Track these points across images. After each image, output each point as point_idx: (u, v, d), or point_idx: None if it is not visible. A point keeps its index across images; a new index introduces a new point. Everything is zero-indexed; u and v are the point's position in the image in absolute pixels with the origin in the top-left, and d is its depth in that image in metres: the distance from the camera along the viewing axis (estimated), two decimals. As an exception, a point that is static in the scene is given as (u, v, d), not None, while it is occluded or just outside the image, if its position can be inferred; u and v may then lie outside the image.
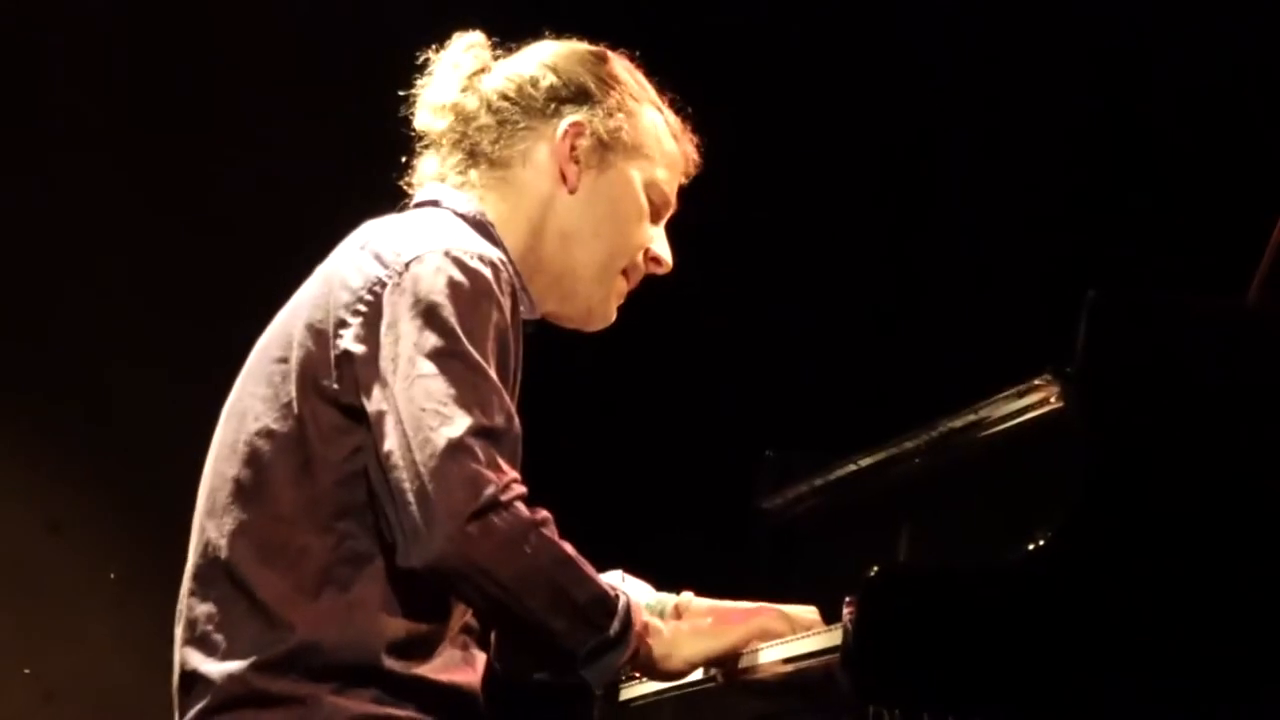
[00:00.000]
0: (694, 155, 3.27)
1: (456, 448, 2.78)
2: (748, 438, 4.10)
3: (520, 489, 2.83)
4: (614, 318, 3.23)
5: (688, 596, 3.27)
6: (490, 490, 2.78)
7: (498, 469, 2.80)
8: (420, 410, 2.81)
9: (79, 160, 5.12)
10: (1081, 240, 5.11)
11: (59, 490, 5.07)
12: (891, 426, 3.43)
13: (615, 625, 2.87)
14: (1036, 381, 3.04)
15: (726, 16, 5.35)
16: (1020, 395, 3.09)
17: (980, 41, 5.32)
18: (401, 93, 3.23)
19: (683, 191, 3.27)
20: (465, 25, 3.25)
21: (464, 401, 2.82)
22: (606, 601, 2.88)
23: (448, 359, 2.84)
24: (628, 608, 2.90)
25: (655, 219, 3.22)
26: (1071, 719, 2.78)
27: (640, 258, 3.21)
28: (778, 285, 5.35)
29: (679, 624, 3.07)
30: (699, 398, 5.28)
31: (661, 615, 3.27)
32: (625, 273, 3.21)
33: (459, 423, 2.80)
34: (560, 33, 3.28)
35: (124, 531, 5.04)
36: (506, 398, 2.88)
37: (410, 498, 2.79)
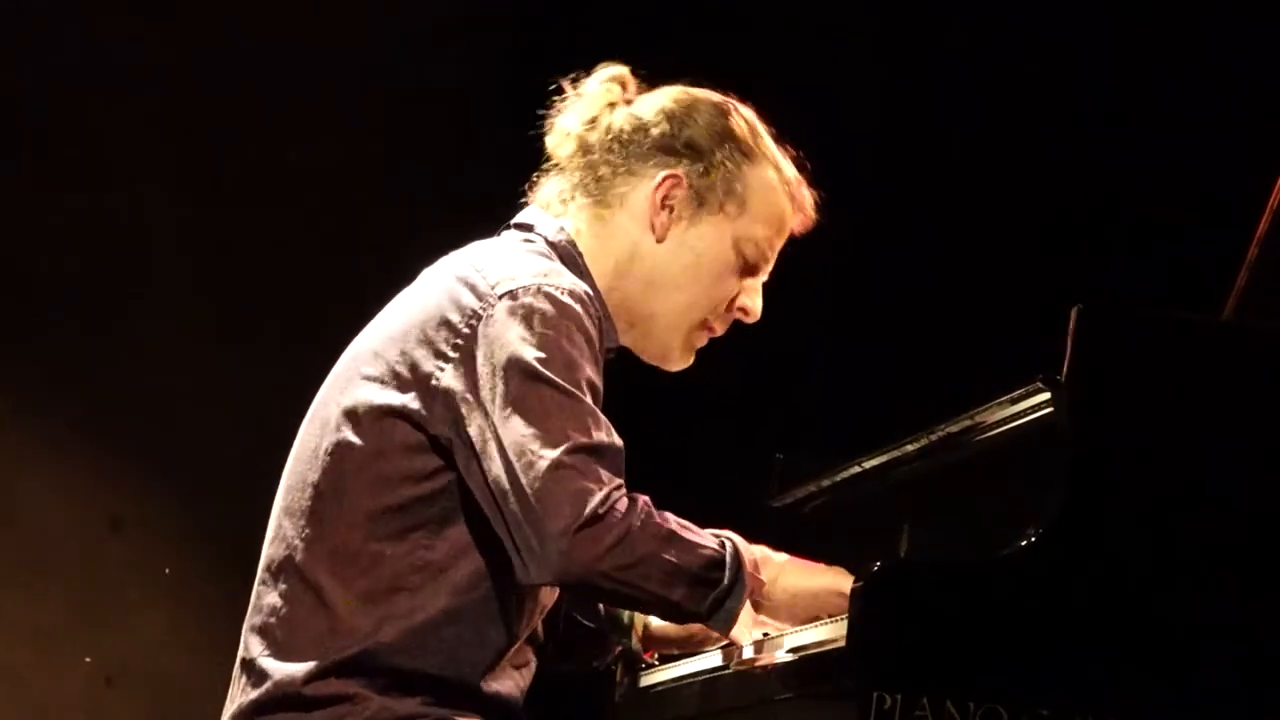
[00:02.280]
0: (810, 211, 3.25)
1: (558, 466, 2.84)
2: (759, 440, 4.19)
3: (620, 493, 2.88)
4: (691, 362, 3.24)
5: None
6: (593, 501, 2.83)
7: (598, 480, 2.85)
8: (521, 436, 2.86)
9: (150, 171, 5.17)
10: (1072, 256, 5.11)
11: (120, 490, 5.11)
12: (893, 430, 3.51)
13: (727, 575, 2.95)
14: (1028, 389, 3.13)
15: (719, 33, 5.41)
16: (1013, 402, 3.19)
17: (978, 51, 5.34)
18: (539, 112, 3.24)
19: (792, 244, 3.24)
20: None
21: (560, 424, 2.87)
22: (715, 557, 2.95)
23: (542, 386, 2.89)
24: (736, 554, 2.98)
25: (749, 273, 3.20)
26: (1057, 701, 2.88)
27: (723, 309, 3.21)
28: (793, 301, 5.38)
29: (787, 558, 3.15)
30: (714, 405, 5.28)
31: (630, 618, 3.39)
32: (708, 322, 3.22)
33: (558, 444, 2.86)
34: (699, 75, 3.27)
35: (180, 530, 5.05)
36: (601, 415, 2.92)
37: (522, 520, 2.85)
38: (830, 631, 2.96)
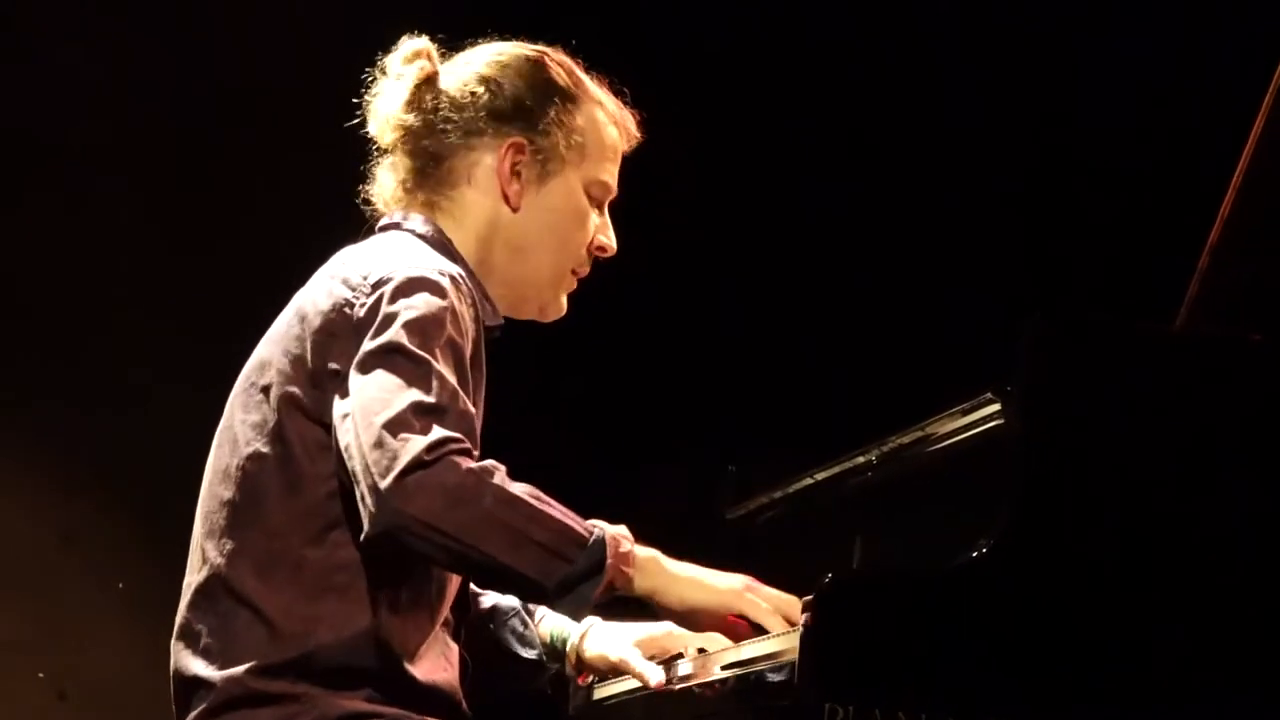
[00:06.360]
0: (633, 130, 3.33)
1: (392, 423, 2.85)
2: (711, 452, 4.20)
3: (457, 446, 2.85)
4: (565, 309, 3.30)
5: (592, 620, 3.34)
6: (418, 450, 2.82)
7: (428, 432, 2.85)
8: (368, 402, 2.89)
9: (100, 186, 5.19)
10: (1025, 266, 5.15)
11: (72, 504, 5.12)
12: (846, 442, 3.52)
13: (583, 557, 2.90)
14: (979, 400, 3.15)
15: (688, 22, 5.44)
16: (964, 413, 3.21)
17: (931, 63, 5.38)
18: (355, 99, 3.29)
19: (627, 163, 3.31)
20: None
21: (403, 385, 2.89)
22: (570, 534, 2.90)
23: (394, 356, 2.92)
24: (601, 541, 2.92)
25: (600, 209, 3.29)
26: (1009, 713, 2.89)
27: (584, 253, 3.28)
28: (745, 311, 5.41)
29: (689, 569, 3.08)
30: (665, 415, 5.34)
31: (564, 644, 3.40)
32: (574, 269, 3.29)
33: (396, 404, 2.87)
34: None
35: (132, 544, 5.09)
36: (452, 381, 2.92)
37: (359, 474, 2.86)
38: (782, 644, 2.96)
